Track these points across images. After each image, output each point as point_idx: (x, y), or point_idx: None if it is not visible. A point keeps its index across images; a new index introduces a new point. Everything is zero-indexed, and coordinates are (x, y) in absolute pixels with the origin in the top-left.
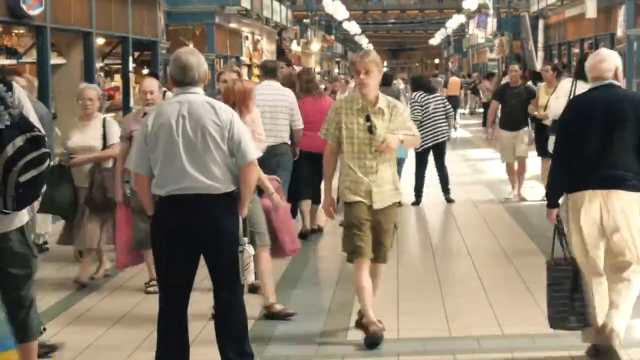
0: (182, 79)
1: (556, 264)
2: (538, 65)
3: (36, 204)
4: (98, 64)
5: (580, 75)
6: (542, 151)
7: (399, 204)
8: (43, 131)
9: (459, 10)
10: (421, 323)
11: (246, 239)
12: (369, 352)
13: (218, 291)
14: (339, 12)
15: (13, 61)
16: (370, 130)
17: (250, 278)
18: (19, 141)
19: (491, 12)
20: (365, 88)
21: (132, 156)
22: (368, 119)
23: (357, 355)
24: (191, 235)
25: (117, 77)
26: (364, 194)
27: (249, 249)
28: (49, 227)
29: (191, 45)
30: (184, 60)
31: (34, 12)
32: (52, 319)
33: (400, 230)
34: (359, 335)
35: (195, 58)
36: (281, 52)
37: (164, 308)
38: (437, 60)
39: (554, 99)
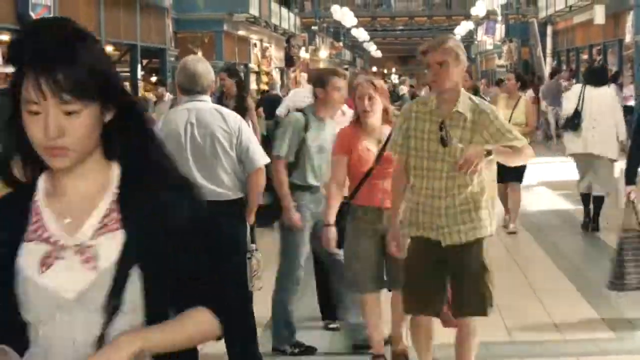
0: (190, 87)
1: (626, 230)
2: (547, 71)
3: None
4: None
5: (589, 80)
6: (508, 174)
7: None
8: None
9: (468, 16)
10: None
11: (254, 246)
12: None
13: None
14: (347, 18)
15: None
16: (443, 141)
17: (258, 285)
18: None
19: (499, 18)
20: (438, 83)
21: None
22: (442, 126)
23: None
24: None
25: (126, 85)
26: (430, 226)
27: (257, 256)
28: None
29: (199, 53)
30: (192, 69)
31: None
32: None
33: None
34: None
35: (203, 66)
36: (289, 59)
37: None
38: None
39: (566, 100)
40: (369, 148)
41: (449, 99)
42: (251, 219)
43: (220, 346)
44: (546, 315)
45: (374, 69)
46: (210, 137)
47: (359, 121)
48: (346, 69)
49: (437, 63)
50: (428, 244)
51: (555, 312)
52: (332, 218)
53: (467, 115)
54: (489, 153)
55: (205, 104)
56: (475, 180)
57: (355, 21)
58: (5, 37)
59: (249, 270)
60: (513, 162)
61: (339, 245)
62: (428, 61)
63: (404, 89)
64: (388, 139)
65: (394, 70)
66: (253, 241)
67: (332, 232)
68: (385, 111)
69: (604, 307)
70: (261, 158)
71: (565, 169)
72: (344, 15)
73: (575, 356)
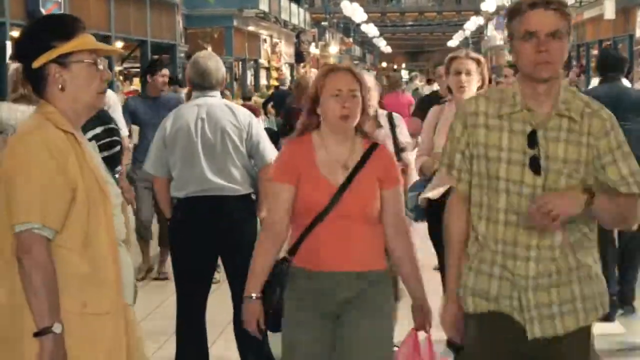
0: (201, 83)
1: None
2: None
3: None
4: (117, 68)
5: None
6: None
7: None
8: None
9: (477, 12)
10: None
11: None
12: None
13: (235, 294)
14: (357, 14)
15: None
16: (535, 164)
17: None
18: (98, 130)
19: None
20: (551, 62)
21: (151, 158)
22: (533, 138)
23: None
24: (209, 237)
25: (136, 81)
26: (508, 302)
27: None
28: None
29: (209, 49)
30: (202, 65)
31: None
32: None
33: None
34: None
35: (213, 62)
36: (299, 55)
37: (182, 310)
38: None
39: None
40: (327, 177)
41: (545, 93)
42: (262, 214)
43: (232, 342)
44: None
45: (384, 64)
46: (221, 132)
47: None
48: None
49: (549, 33)
50: (503, 329)
51: None
52: (254, 286)
53: (575, 118)
54: (590, 200)
55: (216, 99)
56: (584, 230)
57: (365, 17)
58: (16, 33)
59: None
60: (614, 224)
61: (272, 326)
62: (531, 28)
63: (417, 84)
64: (363, 160)
65: (403, 65)
66: None
67: (254, 307)
68: (365, 114)
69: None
70: (272, 153)
71: None
72: (354, 11)
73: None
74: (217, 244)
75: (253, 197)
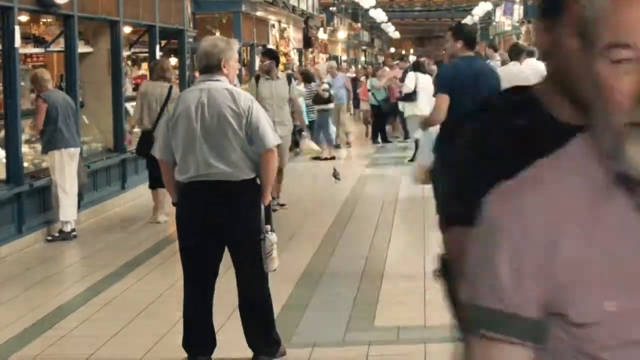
0: (200, 66)
1: None
2: None
3: None
4: (125, 53)
5: None
6: None
7: None
8: None
9: None
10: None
11: (268, 227)
12: (395, 339)
13: (240, 279)
14: None
15: (41, 50)
16: None
17: (272, 266)
18: None
19: None
20: None
21: (158, 143)
22: None
23: (383, 342)
24: (212, 222)
25: (144, 66)
26: None
27: (271, 237)
28: (75, 215)
29: (218, 34)
30: (200, 48)
31: (62, 1)
32: (84, 304)
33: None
34: (384, 322)
35: (209, 43)
36: (308, 40)
37: (189, 296)
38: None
39: None
40: None
41: None
42: (266, 200)
43: (238, 327)
44: None
45: (392, 49)
46: (219, 116)
47: None
48: (364, 51)
49: None
50: None
51: None
52: None
53: None
54: None
55: (219, 83)
56: None
57: (373, 2)
58: (25, 18)
59: (263, 251)
60: None
61: None
62: None
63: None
64: None
65: (412, 51)
66: (268, 222)
67: None
68: None
69: None
70: (272, 139)
71: None
72: None
73: None
74: (219, 228)
75: (258, 181)
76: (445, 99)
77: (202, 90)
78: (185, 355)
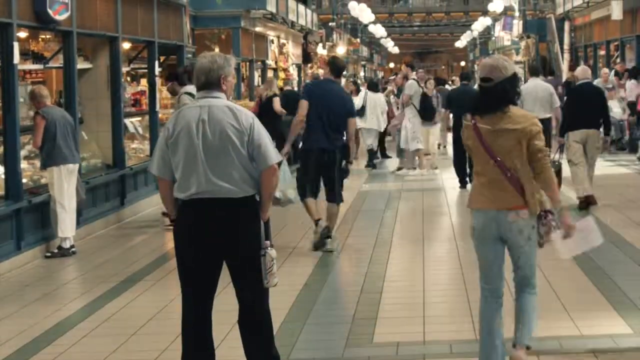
0: (197, 83)
1: None
2: (564, 67)
3: None
4: (124, 69)
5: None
6: None
7: None
8: None
9: (485, 12)
10: (447, 326)
11: (268, 242)
12: (394, 355)
13: (242, 296)
14: (365, 15)
15: (40, 66)
16: None
17: (272, 282)
18: None
19: (517, 14)
20: None
21: (155, 160)
22: None
23: (382, 358)
24: (212, 239)
25: (143, 82)
26: None
27: (271, 253)
28: (73, 231)
29: (217, 49)
30: (197, 64)
31: (61, 17)
32: (83, 321)
33: (429, 226)
34: (384, 338)
35: (206, 60)
36: (307, 56)
37: (188, 314)
38: (462, 63)
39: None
40: None
41: None
42: (265, 216)
43: (238, 343)
44: (563, 310)
45: (391, 65)
46: (221, 133)
47: None
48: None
49: None
50: None
51: (571, 308)
52: None
53: None
54: None
55: (219, 100)
56: None
57: (372, 17)
58: (24, 34)
59: (263, 267)
60: None
61: None
62: None
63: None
64: None
65: None
66: (267, 238)
67: None
68: None
69: (621, 302)
70: (274, 156)
71: None
72: (362, 12)
73: (592, 352)
74: (219, 245)
75: (257, 198)
76: None
77: (202, 107)
78: None
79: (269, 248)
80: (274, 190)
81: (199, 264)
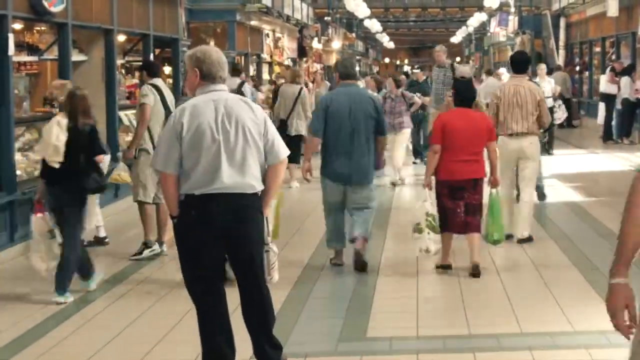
0: (216, 75)
1: None
2: (560, 63)
3: None
4: (119, 61)
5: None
6: None
7: None
8: None
9: (481, 8)
10: (441, 321)
11: (270, 238)
12: (387, 349)
13: (250, 291)
14: (360, 9)
15: (34, 58)
16: None
17: (275, 277)
18: None
19: (513, 10)
20: None
21: (160, 155)
22: None
23: (375, 353)
24: (221, 234)
25: (138, 74)
26: None
27: (274, 248)
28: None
29: (212, 43)
30: (217, 57)
31: (56, 9)
32: (76, 313)
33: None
34: (377, 333)
35: (223, 55)
36: (302, 50)
37: (203, 310)
38: (458, 59)
39: None
40: None
41: None
42: (267, 211)
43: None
44: (556, 307)
45: (387, 60)
46: (242, 127)
47: None
48: (358, 61)
49: None
50: None
51: (565, 304)
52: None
53: None
54: None
55: (231, 94)
56: None
57: (368, 12)
58: (19, 26)
59: (266, 263)
60: None
61: None
62: None
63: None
64: None
65: (406, 61)
66: (269, 234)
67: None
68: None
69: None
70: (284, 150)
71: None
72: (357, 6)
73: (585, 348)
74: (227, 240)
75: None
76: None
77: (216, 101)
78: None
79: (271, 244)
80: (280, 185)
81: (209, 259)
